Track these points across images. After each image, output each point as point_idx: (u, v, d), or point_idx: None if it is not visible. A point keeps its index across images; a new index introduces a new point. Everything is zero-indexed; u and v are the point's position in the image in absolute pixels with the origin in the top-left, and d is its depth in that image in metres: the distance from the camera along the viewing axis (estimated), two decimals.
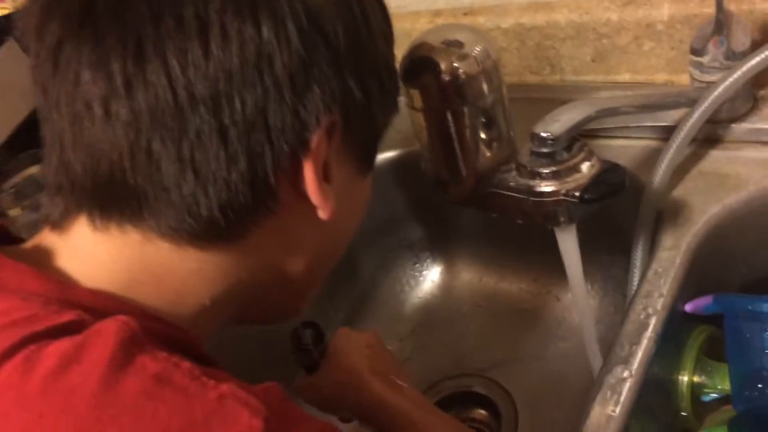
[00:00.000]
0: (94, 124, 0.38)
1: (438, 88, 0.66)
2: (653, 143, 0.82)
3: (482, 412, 0.91)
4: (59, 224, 0.42)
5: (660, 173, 0.74)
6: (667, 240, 0.72)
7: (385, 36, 0.46)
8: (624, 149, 0.83)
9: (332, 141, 0.42)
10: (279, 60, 0.38)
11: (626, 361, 0.63)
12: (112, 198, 0.40)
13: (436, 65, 0.65)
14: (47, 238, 0.43)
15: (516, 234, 0.98)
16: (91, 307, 0.39)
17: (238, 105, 0.37)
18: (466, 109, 0.67)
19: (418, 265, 1.05)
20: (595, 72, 0.94)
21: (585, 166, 0.62)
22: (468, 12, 0.99)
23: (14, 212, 1.02)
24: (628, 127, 0.83)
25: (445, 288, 1.04)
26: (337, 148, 0.43)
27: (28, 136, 1.01)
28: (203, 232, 0.40)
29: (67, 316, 0.38)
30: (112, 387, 0.34)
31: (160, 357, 0.36)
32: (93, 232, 0.41)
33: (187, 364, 0.37)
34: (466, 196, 0.72)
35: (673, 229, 0.72)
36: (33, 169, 1.04)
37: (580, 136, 0.64)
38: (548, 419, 0.86)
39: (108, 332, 0.36)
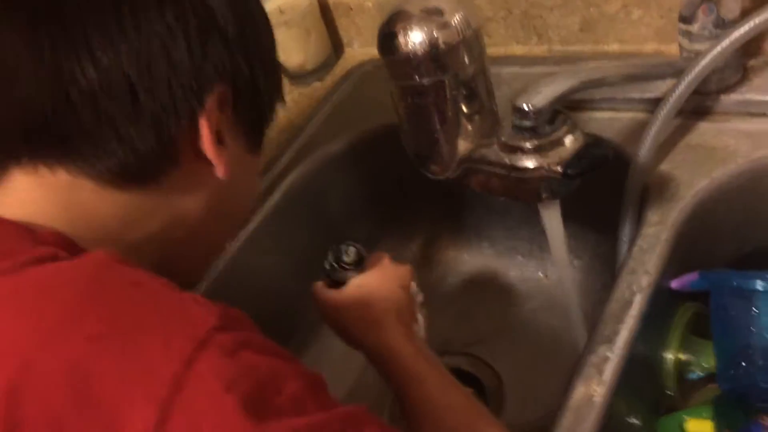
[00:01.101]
0: (20, 82, 0.45)
1: (416, 59, 0.64)
2: (640, 115, 0.80)
3: (469, 389, 0.90)
4: None
5: (646, 146, 0.72)
6: (653, 215, 0.70)
7: (268, 33, 0.55)
8: (610, 122, 0.81)
9: (224, 111, 0.50)
10: (180, 39, 0.47)
11: (610, 341, 0.61)
12: (39, 142, 0.47)
13: (415, 35, 0.63)
14: None
15: (502, 209, 0.97)
16: (56, 245, 0.46)
17: (145, 70, 0.46)
18: (446, 81, 0.65)
19: (403, 240, 1.03)
20: (583, 42, 0.92)
21: (568, 140, 0.60)
22: None
23: None
24: (614, 98, 0.81)
25: (429, 264, 1.02)
26: (229, 120, 0.51)
27: None
28: (119, 174, 0.48)
29: (44, 250, 0.45)
30: (95, 285, 0.42)
31: (140, 272, 0.44)
32: (27, 176, 0.48)
33: (161, 279, 0.44)
34: (447, 173, 0.70)
35: (659, 204, 0.71)
36: None
37: (563, 108, 0.62)
38: (535, 397, 0.85)
39: (94, 256, 0.45)
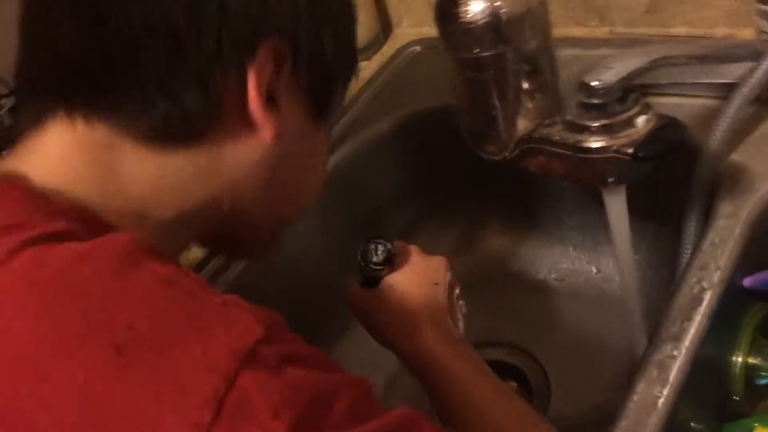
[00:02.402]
0: (62, 21, 0.42)
1: (476, 30, 0.60)
2: (711, 102, 0.74)
3: (513, 384, 0.86)
4: (35, 127, 0.45)
5: (718, 134, 0.67)
6: (725, 208, 0.65)
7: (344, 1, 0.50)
8: (678, 108, 0.75)
9: (281, 71, 0.45)
10: None
11: (676, 338, 0.57)
12: (76, 91, 0.43)
13: (476, 3, 0.59)
14: (23, 146, 0.45)
15: (555, 198, 0.93)
16: (73, 217, 0.41)
17: (193, 12, 0.41)
18: (507, 55, 0.61)
19: (448, 226, 0.99)
20: (648, 24, 0.87)
21: (640, 121, 0.56)
22: None
23: None
24: (683, 83, 0.76)
25: (477, 254, 0.98)
26: (286, 82, 0.46)
27: None
28: (159, 131, 0.43)
29: (58, 225, 0.40)
30: (122, 281, 0.37)
31: (169, 266, 0.39)
32: (63, 131, 0.43)
33: (195, 275, 0.39)
34: (504, 153, 0.66)
35: (732, 195, 0.66)
36: None
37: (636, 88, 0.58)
38: (583, 395, 0.81)
39: (116, 241, 0.39)
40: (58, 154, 0.43)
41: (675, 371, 0.55)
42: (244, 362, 0.34)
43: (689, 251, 0.67)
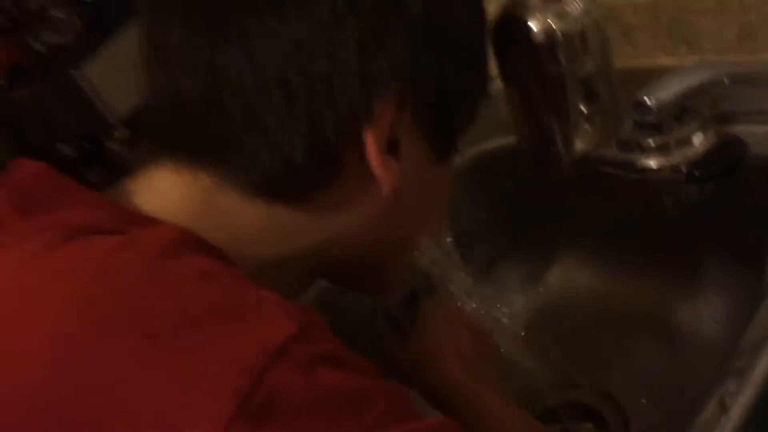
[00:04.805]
0: (174, 69, 0.41)
1: (531, 51, 0.59)
2: None
3: (589, 425, 0.82)
4: (142, 167, 0.45)
5: None
6: None
7: (473, 12, 0.45)
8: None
9: (403, 116, 0.42)
10: (349, 25, 0.39)
11: (741, 374, 0.53)
12: (185, 143, 0.43)
13: (529, 25, 0.58)
14: (130, 180, 0.46)
15: (642, 231, 0.89)
16: None
17: (304, 66, 0.39)
18: (562, 77, 0.60)
19: (530, 262, 0.97)
20: (740, 50, 0.82)
21: (697, 139, 0.53)
22: None
23: None
24: None
25: (559, 289, 0.95)
26: (408, 126, 0.43)
27: None
28: (266, 187, 0.42)
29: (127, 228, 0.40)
30: (159, 271, 0.37)
31: (209, 260, 0.39)
32: (169, 174, 0.43)
33: (236, 270, 0.39)
34: (565, 176, 0.64)
35: None
36: None
37: (711, 117, 0.55)
38: None
39: (161, 232, 0.39)
40: (164, 191, 0.43)
41: (738, 408, 0.51)
42: (272, 359, 0.33)
43: None
